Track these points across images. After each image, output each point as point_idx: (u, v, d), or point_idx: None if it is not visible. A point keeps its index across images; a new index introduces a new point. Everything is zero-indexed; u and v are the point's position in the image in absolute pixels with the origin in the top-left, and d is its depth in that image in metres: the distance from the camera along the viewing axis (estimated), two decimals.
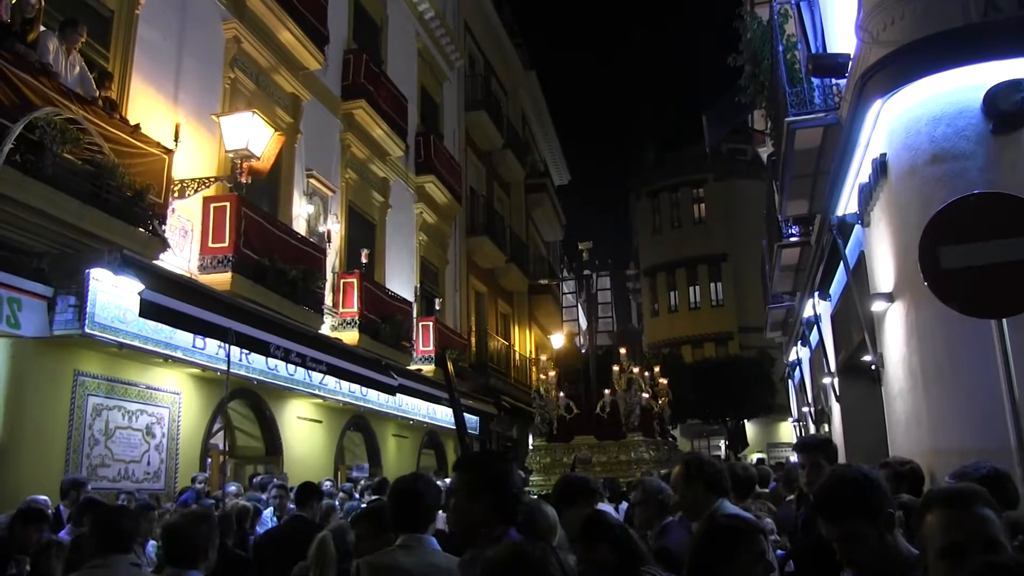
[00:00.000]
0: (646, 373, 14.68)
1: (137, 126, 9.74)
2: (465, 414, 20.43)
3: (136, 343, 9.92)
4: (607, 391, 13.98)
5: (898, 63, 6.90)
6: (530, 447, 23.14)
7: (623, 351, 14.41)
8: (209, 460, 12.45)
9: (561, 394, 14.46)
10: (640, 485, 4.97)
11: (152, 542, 6.84)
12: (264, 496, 9.89)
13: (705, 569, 2.88)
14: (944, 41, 6.67)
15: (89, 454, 9.71)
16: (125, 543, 3.79)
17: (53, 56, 8.71)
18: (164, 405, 11.14)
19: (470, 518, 3.07)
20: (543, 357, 16.33)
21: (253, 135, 11.15)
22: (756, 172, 36.01)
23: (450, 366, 11.46)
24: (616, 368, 13.85)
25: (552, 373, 14.46)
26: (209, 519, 3.76)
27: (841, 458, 13.10)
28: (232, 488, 9.99)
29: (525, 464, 14.10)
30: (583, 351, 18.94)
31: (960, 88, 6.71)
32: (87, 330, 9.00)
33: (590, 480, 5.15)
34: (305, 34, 14.29)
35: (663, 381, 15.18)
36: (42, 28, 8.71)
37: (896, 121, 7.26)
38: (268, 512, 9.19)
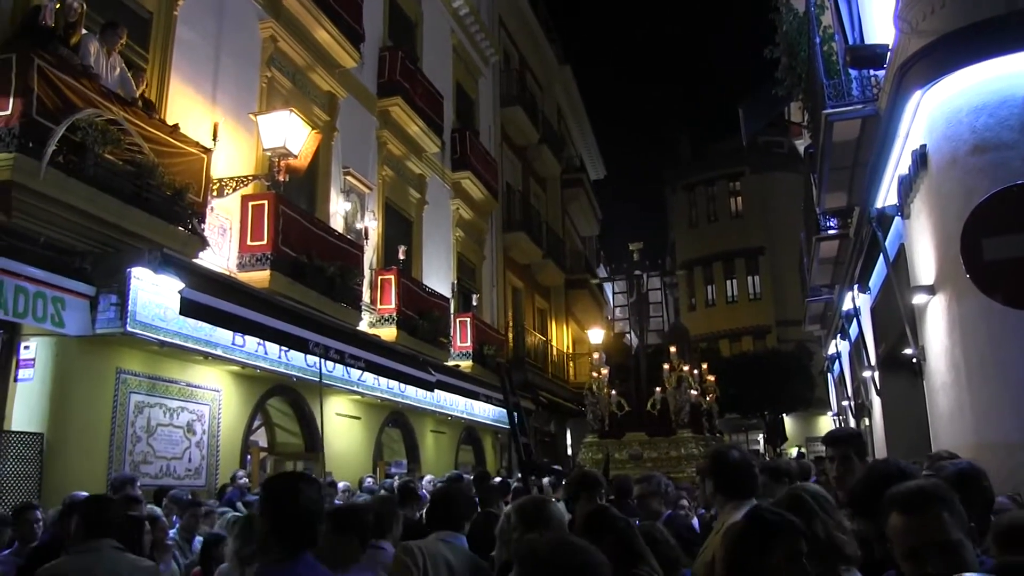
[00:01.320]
0: (695, 371, 14.87)
1: (176, 126, 9.84)
2: (501, 409, 20.60)
3: (177, 341, 10.02)
4: (658, 389, 14.26)
5: (938, 53, 6.82)
6: (580, 443, 23.23)
7: (673, 349, 14.52)
8: (249, 457, 12.57)
9: (612, 392, 14.72)
10: (650, 479, 4.96)
11: (199, 537, 6.91)
12: None
13: (739, 558, 2.86)
14: (986, 30, 6.57)
15: (132, 451, 9.83)
16: (108, 529, 4.19)
17: (94, 58, 8.83)
18: (204, 402, 11.25)
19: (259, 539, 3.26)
20: (595, 355, 16.52)
21: (290, 133, 11.22)
22: (793, 165, 35.66)
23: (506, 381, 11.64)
24: (666, 366, 14.09)
25: (604, 371, 14.63)
26: None
27: (882, 452, 13.01)
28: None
29: (578, 458, 14.44)
30: (633, 350, 19.08)
31: (1002, 77, 6.63)
32: (129, 328, 9.10)
33: (595, 474, 5.44)
34: (341, 32, 14.35)
35: (711, 378, 15.27)
36: (84, 31, 8.83)
37: (936, 111, 7.18)
38: None
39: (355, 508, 4.78)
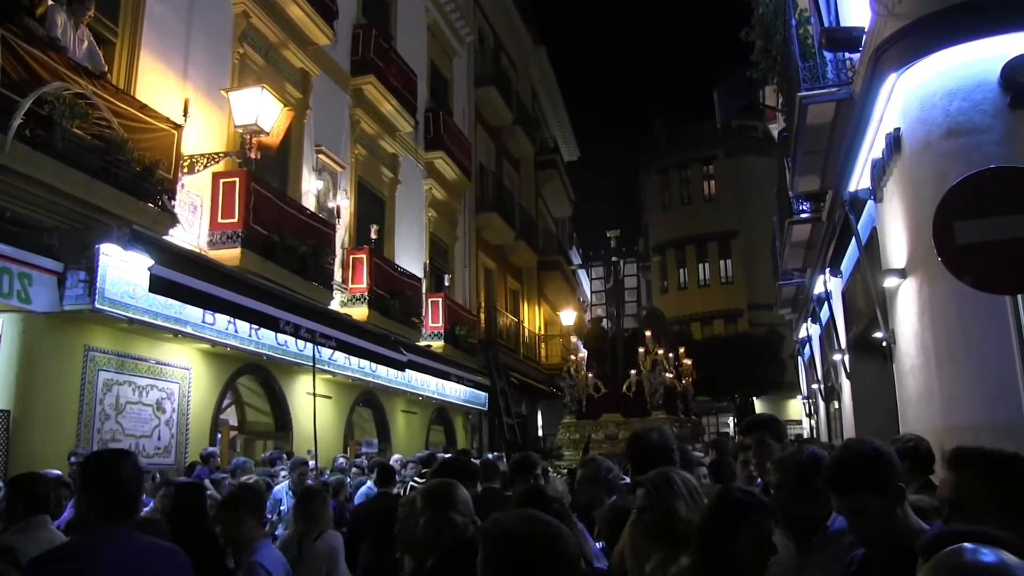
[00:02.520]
0: (670, 354, 15.20)
1: (144, 105, 9.70)
2: (472, 390, 20.62)
3: (146, 318, 9.93)
4: (633, 371, 14.62)
5: (914, 36, 6.83)
6: (551, 424, 23.41)
7: (648, 333, 14.82)
8: (219, 436, 12.50)
9: (590, 374, 15.10)
10: (590, 463, 4.95)
11: None
12: (276, 471, 9.97)
13: (709, 538, 2.90)
14: (961, 13, 6.59)
15: (100, 429, 9.75)
16: (43, 505, 4.37)
17: (61, 30, 8.66)
18: (174, 380, 11.17)
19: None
20: (572, 339, 17.03)
21: (262, 110, 11.09)
22: (767, 149, 35.79)
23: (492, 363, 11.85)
24: (641, 350, 14.42)
25: (581, 354, 15.10)
26: None
27: (851, 434, 13.13)
28: (239, 462, 10.10)
29: (556, 438, 14.97)
30: (610, 334, 19.70)
31: (977, 61, 6.65)
32: (97, 305, 9.00)
33: (531, 456, 5.67)
34: (314, 9, 14.20)
35: (687, 361, 15.66)
36: (50, 2, 8.66)
37: (911, 95, 7.20)
38: (281, 487, 9.23)
39: (246, 487, 4.88)
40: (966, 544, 1.69)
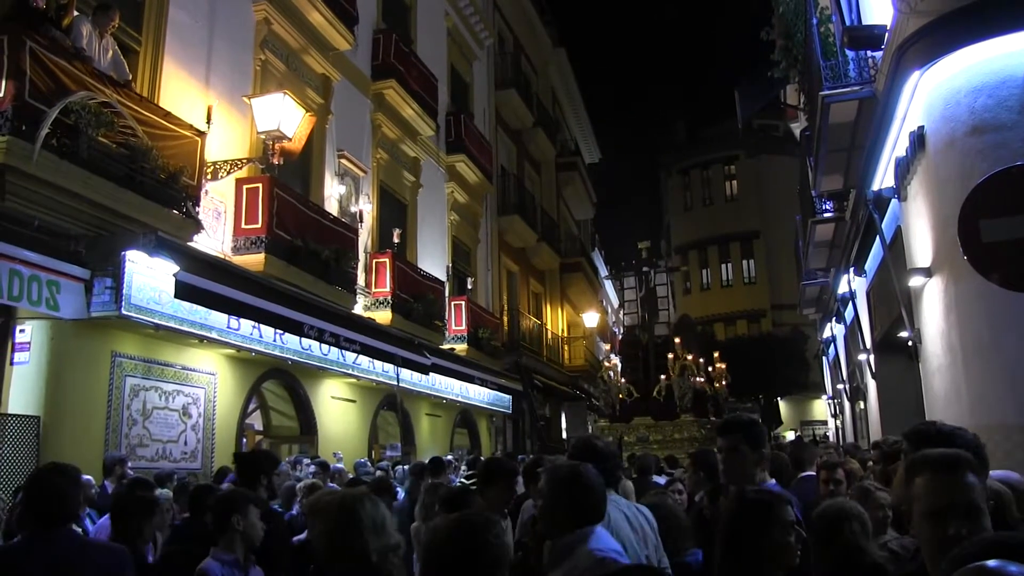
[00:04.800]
0: (700, 359, 15.88)
1: (168, 112, 9.78)
2: (496, 393, 20.68)
3: (172, 324, 9.99)
4: (663, 376, 15.32)
5: (937, 33, 6.78)
6: (575, 426, 23.66)
7: (677, 340, 15.56)
8: (245, 440, 12.57)
9: (622, 379, 15.86)
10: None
11: None
12: (300, 474, 10.00)
13: (739, 542, 2.88)
14: (985, 9, 6.53)
15: (128, 434, 9.82)
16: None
17: (87, 40, 8.75)
18: (200, 386, 11.24)
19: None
20: (606, 347, 17.84)
21: (284, 116, 11.16)
22: (788, 148, 35.66)
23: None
24: (671, 356, 15.13)
25: (614, 361, 15.75)
26: None
27: (876, 434, 13.04)
28: (283, 467, 10.20)
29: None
30: (643, 341, 20.74)
31: (1001, 56, 6.60)
32: (124, 312, 9.07)
33: (505, 461, 5.67)
34: (335, 14, 14.26)
35: (721, 366, 16.05)
36: (76, 13, 8.75)
37: (934, 93, 7.15)
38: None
39: (207, 488, 4.91)
40: (989, 563, 1.65)
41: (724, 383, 15.80)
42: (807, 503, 4.68)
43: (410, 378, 16.47)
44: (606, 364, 15.86)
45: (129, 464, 8.56)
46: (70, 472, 3.80)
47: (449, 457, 12.40)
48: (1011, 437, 6.11)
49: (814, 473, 6.23)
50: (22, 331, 8.82)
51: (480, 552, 2.45)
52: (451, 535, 2.51)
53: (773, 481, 5.80)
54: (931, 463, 2.46)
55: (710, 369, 15.66)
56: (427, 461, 9.60)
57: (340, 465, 10.69)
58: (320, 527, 3.03)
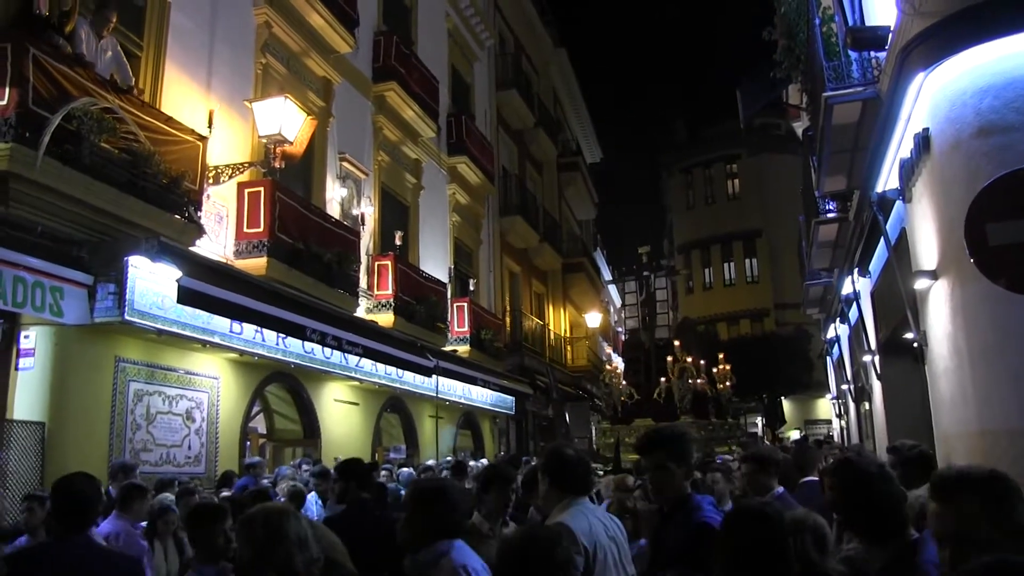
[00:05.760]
0: (701, 361, 16.10)
1: (170, 118, 9.77)
2: (499, 394, 20.70)
3: (174, 329, 9.98)
4: (663, 379, 15.73)
5: (942, 34, 6.74)
6: (577, 427, 23.95)
7: (677, 343, 15.87)
8: (248, 444, 12.56)
9: (623, 382, 16.31)
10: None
11: None
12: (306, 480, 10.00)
13: (751, 556, 2.78)
14: (990, 9, 6.49)
15: (132, 439, 9.82)
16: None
17: (85, 43, 8.75)
18: (203, 390, 11.23)
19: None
20: (607, 349, 18.56)
21: (286, 120, 11.15)
22: (790, 147, 35.60)
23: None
24: (670, 359, 15.52)
25: (616, 364, 16.07)
26: None
27: (882, 436, 13.01)
28: (286, 471, 10.21)
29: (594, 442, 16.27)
30: (645, 344, 21.22)
31: (1008, 57, 6.55)
32: (127, 317, 9.06)
33: (503, 467, 5.78)
34: (335, 17, 14.25)
35: (726, 367, 16.46)
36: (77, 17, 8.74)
37: (939, 94, 7.11)
38: (312, 496, 9.23)
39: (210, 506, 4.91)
40: None
41: (728, 384, 15.88)
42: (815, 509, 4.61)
43: (413, 380, 16.47)
44: (608, 367, 16.08)
45: (138, 471, 8.53)
46: (94, 480, 4.06)
47: (431, 462, 12.37)
48: (1017, 442, 6.07)
49: (817, 478, 6.21)
50: (26, 337, 8.81)
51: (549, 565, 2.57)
52: (523, 548, 2.64)
53: (782, 488, 5.80)
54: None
55: (715, 370, 15.75)
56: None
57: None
58: (244, 539, 3.10)
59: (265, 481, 9.35)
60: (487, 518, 4.89)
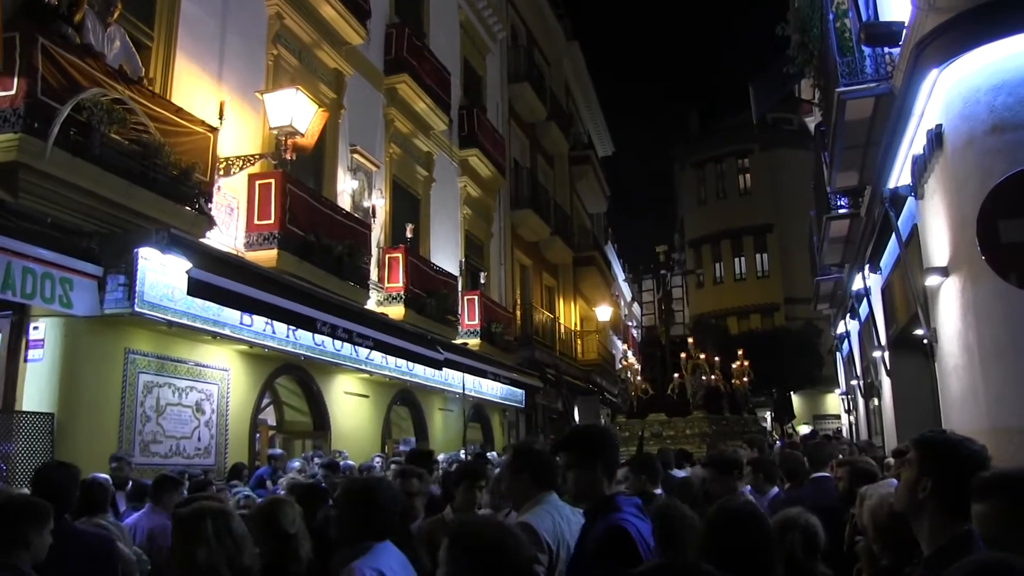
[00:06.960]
0: (715, 358, 16.52)
1: (180, 108, 9.77)
2: (509, 387, 20.73)
3: (184, 321, 10.00)
4: (676, 375, 16.06)
5: (956, 30, 6.69)
6: (588, 421, 24.24)
7: (691, 340, 16.32)
8: (258, 435, 12.58)
9: (638, 377, 16.56)
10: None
11: None
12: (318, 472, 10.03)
13: (751, 554, 2.73)
14: (1005, 6, 6.44)
15: (141, 431, 9.84)
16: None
17: (92, 32, 8.74)
18: (213, 382, 11.25)
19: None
20: (624, 346, 19.28)
21: (297, 111, 11.13)
22: (802, 142, 35.43)
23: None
24: (683, 355, 15.88)
25: (631, 360, 16.80)
26: None
27: (891, 432, 12.98)
28: (296, 464, 10.25)
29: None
30: (661, 340, 21.77)
31: (1022, 54, 6.49)
32: (137, 309, 9.08)
33: (472, 464, 6.01)
34: (347, 8, 14.22)
35: (744, 363, 16.82)
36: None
37: (953, 90, 7.06)
38: None
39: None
40: None
41: (746, 380, 16.20)
42: (824, 505, 4.55)
43: (423, 373, 16.48)
44: (625, 363, 16.53)
45: (132, 462, 8.65)
46: (70, 469, 4.50)
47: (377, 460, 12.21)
48: None
49: (829, 474, 6.17)
50: (36, 328, 8.85)
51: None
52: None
53: (776, 490, 5.77)
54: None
55: (733, 366, 16.12)
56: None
57: (350, 462, 10.70)
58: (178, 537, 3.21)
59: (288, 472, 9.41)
60: (457, 513, 4.99)
